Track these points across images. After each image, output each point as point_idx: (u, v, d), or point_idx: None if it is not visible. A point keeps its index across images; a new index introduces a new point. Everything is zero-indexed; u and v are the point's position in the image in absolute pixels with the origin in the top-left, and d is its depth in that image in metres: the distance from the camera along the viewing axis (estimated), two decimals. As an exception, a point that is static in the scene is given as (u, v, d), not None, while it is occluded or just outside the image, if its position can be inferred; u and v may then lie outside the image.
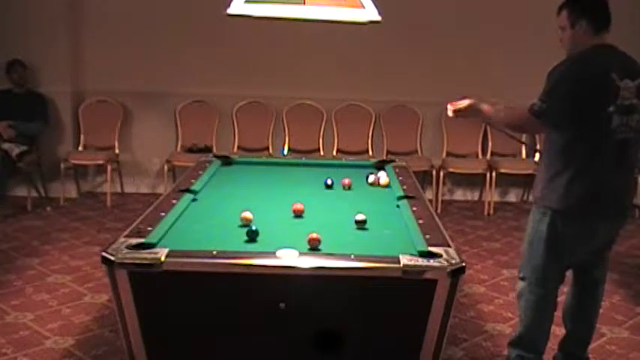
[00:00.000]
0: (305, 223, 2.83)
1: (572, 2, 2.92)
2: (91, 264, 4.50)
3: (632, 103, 2.79)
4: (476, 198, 6.70)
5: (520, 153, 6.38)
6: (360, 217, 2.79)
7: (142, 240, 2.42)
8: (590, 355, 3.19)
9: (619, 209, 2.95)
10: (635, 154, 2.94)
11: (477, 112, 3.10)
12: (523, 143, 5.80)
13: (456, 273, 2.24)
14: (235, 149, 6.35)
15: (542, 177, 2.95)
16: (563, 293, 3.13)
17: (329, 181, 3.54)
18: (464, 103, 3.12)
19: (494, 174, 6.16)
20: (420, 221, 2.80)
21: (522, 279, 3.04)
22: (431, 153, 6.42)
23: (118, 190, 6.51)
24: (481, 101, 3.11)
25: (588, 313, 3.11)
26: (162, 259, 2.21)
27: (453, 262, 2.27)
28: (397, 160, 4.39)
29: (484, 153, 6.48)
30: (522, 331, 3.04)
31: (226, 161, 4.19)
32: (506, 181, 6.48)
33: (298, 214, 2.94)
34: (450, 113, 3.15)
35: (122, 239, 2.41)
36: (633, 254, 5.14)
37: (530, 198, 3.27)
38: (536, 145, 6.11)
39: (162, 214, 2.81)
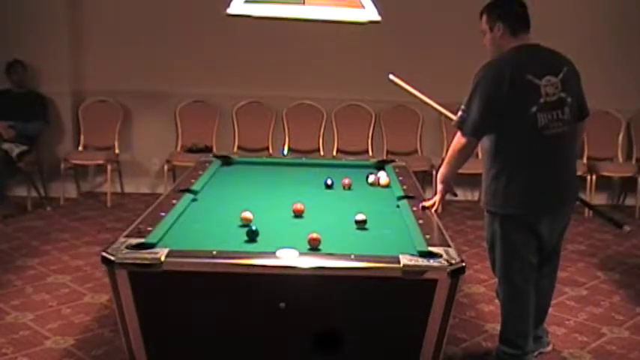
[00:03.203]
0: (305, 223, 2.83)
1: (489, 6, 3.02)
2: (91, 264, 4.50)
3: (559, 97, 2.87)
4: (476, 198, 6.69)
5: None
6: (360, 217, 2.79)
7: (142, 240, 2.42)
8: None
9: (559, 201, 3.00)
10: (572, 145, 3.03)
11: (441, 191, 3.10)
12: None
13: (456, 273, 2.24)
14: (235, 149, 6.34)
15: (484, 181, 3.05)
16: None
17: (329, 181, 3.54)
18: (434, 200, 3.10)
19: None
20: (420, 221, 2.80)
21: (497, 278, 3.15)
22: (431, 153, 6.42)
23: (118, 190, 6.51)
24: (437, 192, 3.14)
25: (543, 293, 3.18)
26: (162, 259, 2.21)
27: (453, 262, 2.27)
28: (397, 160, 4.39)
29: (484, 153, 6.48)
30: (501, 328, 3.15)
31: (226, 161, 4.19)
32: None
33: (298, 214, 2.94)
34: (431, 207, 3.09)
35: (122, 239, 2.42)
36: (633, 254, 5.14)
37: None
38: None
39: (163, 214, 2.82)
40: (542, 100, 2.83)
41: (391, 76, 3.69)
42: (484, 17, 3.02)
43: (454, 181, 3.15)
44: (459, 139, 2.96)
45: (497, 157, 2.94)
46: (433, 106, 3.67)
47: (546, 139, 2.86)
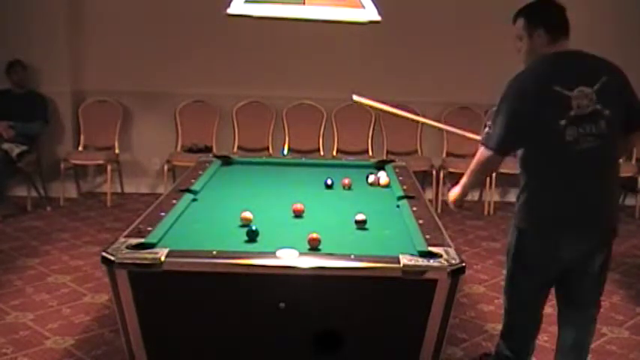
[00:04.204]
0: (305, 223, 2.82)
1: (528, 10, 2.80)
2: (91, 264, 4.50)
3: (595, 109, 2.62)
4: (476, 198, 6.70)
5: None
6: (360, 217, 2.79)
7: (142, 240, 2.42)
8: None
9: (584, 223, 2.72)
10: (611, 162, 2.78)
11: (460, 195, 3.02)
12: None
13: (456, 273, 2.24)
14: (235, 149, 6.35)
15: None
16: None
17: (329, 181, 3.54)
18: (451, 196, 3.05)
19: (494, 174, 6.16)
20: (420, 221, 2.80)
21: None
22: (431, 153, 6.42)
23: (118, 190, 6.51)
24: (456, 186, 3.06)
25: (568, 326, 2.95)
26: (162, 259, 2.21)
27: (453, 262, 2.27)
28: (397, 160, 4.39)
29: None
30: (503, 327, 3.11)
31: (226, 161, 4.19)
32: (506, 181, 6.46)
33: (298, 214, 2.94)
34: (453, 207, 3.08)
35: (122, 239, 2.41)
36: (633, 254, 5.14)
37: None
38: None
39: (163, 214, 2.81)
40: (572, 113, 2.61)
41: (355, 97, 3.65)
42: (521, 22, 2.79)
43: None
44: (482, 152, 2.78)
45: (523, 170, 2.80)
46: (407, 116, 3.62)
47: (575, 155, 2.64)
